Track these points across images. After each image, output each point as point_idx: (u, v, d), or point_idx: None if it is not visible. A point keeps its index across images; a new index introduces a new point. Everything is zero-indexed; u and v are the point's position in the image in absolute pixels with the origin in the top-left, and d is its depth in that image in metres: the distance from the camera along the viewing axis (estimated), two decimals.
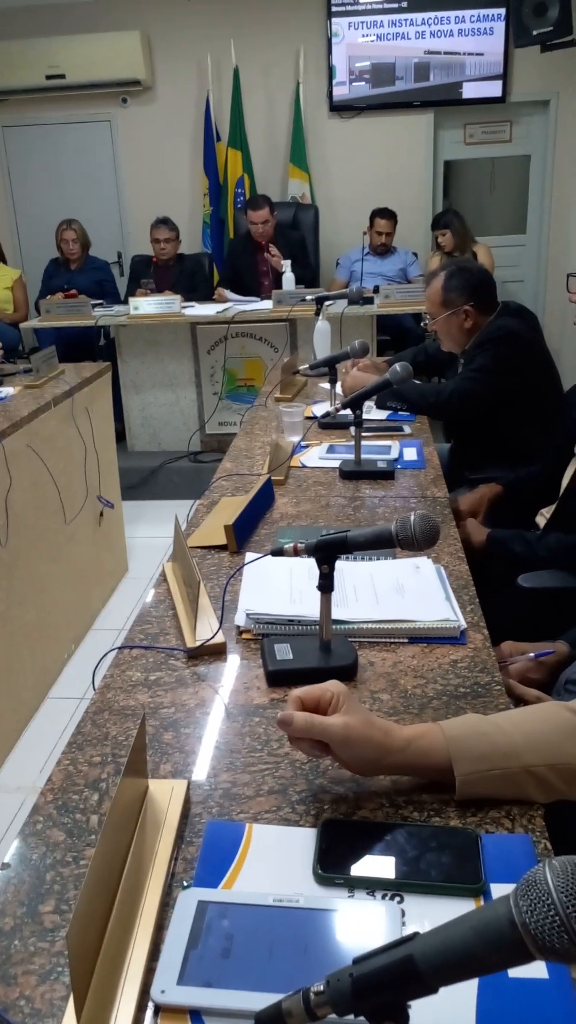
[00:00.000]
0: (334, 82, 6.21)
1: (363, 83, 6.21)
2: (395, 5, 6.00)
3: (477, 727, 0.97)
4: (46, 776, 1.04)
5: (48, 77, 6.10)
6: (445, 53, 6.08)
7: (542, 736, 0.96)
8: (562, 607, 1.83)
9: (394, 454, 2.23)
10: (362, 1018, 0.57)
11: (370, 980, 0.54)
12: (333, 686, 0.96)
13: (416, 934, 0.56)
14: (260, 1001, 0.63)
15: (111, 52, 6.04)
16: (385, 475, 2.09)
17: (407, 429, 2.50)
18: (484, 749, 0.94)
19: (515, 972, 0.74)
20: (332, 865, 0.87)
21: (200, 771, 1.03)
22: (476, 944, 0.52)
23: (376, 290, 4.75)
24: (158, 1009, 0.73)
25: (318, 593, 1.21)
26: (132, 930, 0.80)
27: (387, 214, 5.67)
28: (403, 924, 0.81)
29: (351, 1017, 0.56)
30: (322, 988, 0.56)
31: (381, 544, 1.17)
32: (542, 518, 2.48)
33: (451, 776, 0.94)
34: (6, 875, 0.88)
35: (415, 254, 5.89)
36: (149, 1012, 0.73)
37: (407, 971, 0.53)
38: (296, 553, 1.19)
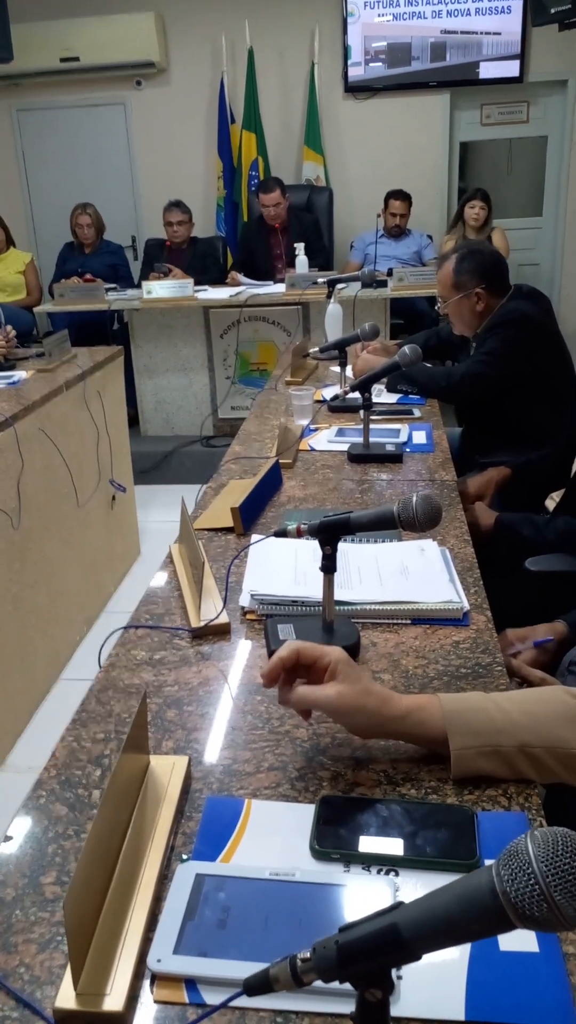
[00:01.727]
0: (349, 63, 6.16)
1: (379, 63, 6.16)
2: None
3: (476, 703, 0.98)
4: None
5: (62, 60, 6.10)
6: (462, 32, 6.02)
7: (541, 718, 0.96)
8: (570, 591, 1.83)
9: (403, 437, 2.23)
10: (348, 985, 0.58)
11: (355, 947, 0.55)
12: (333, 653, 0.97)
13: (400, 903, 0.57)
14: (254, 970, 0.64)
15: (125, 34, 6.02)
16: (394, 458, 2.09)
17: (417, 412, 2.50)
18: (481, 725, 0.95)
19: (506, 945, 0.76)
20: (329, 840, 0.88)
21: (201, 748, 1.05)
22: (458, 912, 0.53)
23: (390, 273, 4.72)
24: (154, 977, 0.74)
25: (322, 574, 1.21)
26: (130, 901, 0.81)
27: (401, 196, 5.64)
28: (396, 898, 0.82)
29: (336, 984, 0.57)
30: (308, 955, 0.57)
31: (383, 525, 1.17)
32: (552, 502, 2.48)
33: (448, 749, 0.94)
34: (9, 847, 0.90)
35: (430, 236, 5.85)
36: (146, 981, 0.74)
37: (391, 938, 0.54)
38: (299, 534, 1.20)
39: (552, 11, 4.96)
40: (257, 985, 0.59)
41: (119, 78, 6.31)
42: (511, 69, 6.06)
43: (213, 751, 1.04)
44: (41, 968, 0.76)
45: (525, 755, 0.94)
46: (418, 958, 0.55)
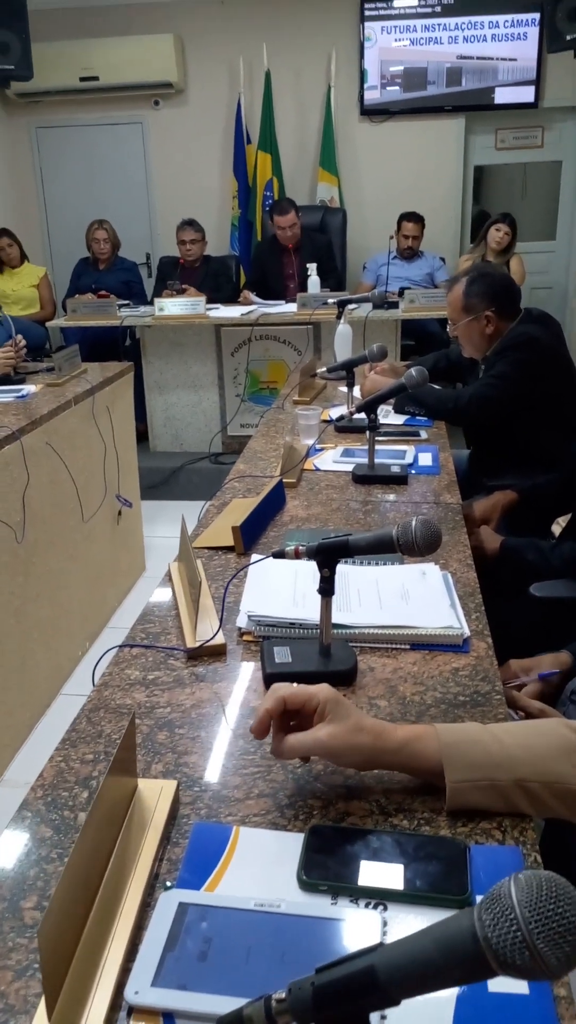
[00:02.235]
0: (366, 86, 6.20)
1: (395, 87, 6.20)
2: (429, 9, 5.98)
3: (473, 735, 0.96)
4: None
5: (82, 79, 6.16)
6: (478, 58, 6.05)
7: (539, 752, 0.94)
8: (574, 617, 1.80)
9: (409, 459, 2.22)
10: None
11: (330, 989, 0.53)
12: (321, 692, 0.95)
13: (380, 944, 0.55)
14: (232, 1006, 0.62)
15: (144, 55, 6.08)
16: (398, 480, 2.08)
17: (424, 434, 2.49)
18: (478, 758, 0.92)
19: (494, 986, 0.73)
20: (317, 872, 0.86)
21: (191, 772, 1.03)
22: (438, 957, 0.51)
23: (401, 294, 4.73)
24: (131, 1010, 0.72)
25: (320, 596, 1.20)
26: (110, 930, 0.79)
27: (414, 218, 5.65)
28: (384, 933, 0.80)
29: None
30: (284, 996, 0.55)
31: (382, 549, 1.15)
32: (558, 527, 2.46)
33: (444, 780, 0.92)
34: None
35: (443, 259, 5.86)
36: (122, 1013, 0.72)
37: (368, 981, 0.52)
38: (297, 556, 1.19)
39: (568, 38, 5.00)
40: None
41: (137, 98, 6.37)
42: (526, 95, 6.09)
43: (203, 776, 1.02)
44: (16, 996, 0.74)
45: (522, 790, 0.91)
46: (396, 1003, 0.53)
